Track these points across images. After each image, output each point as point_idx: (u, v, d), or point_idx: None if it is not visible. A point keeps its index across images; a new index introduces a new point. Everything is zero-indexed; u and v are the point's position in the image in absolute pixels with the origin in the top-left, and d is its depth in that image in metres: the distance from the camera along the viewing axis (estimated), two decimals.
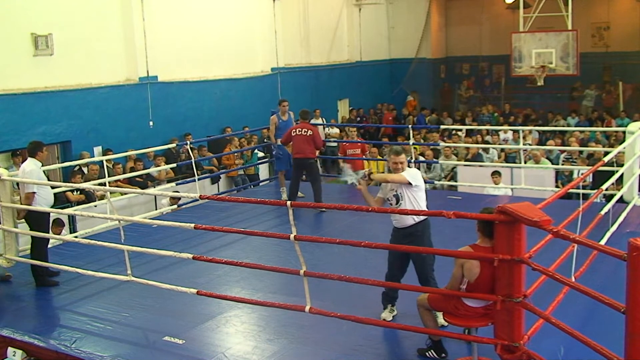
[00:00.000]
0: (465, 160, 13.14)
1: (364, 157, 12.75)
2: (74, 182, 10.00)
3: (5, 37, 11.09)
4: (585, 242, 3.98)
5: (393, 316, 5.62)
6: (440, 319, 5.12)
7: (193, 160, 10.45)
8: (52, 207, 7.28)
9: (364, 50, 21.64)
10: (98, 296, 6.57)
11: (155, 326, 5.84)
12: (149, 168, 12.15)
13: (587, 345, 3.85)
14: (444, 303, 4.74)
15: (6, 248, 7.12)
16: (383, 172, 13.97)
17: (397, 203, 5.39)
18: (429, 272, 5.45)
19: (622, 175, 8.31)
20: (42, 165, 7.20)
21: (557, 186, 11.42)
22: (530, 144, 14.11)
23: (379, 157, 13.95)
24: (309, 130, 9.56)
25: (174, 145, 12.25)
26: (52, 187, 7.44)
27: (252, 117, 15.51)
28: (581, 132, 14.70)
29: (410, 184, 5.31)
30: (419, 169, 12.36)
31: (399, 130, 19.09)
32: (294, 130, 9.59)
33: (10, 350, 5.76)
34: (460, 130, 16.14)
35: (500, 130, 15.56)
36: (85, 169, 11.33)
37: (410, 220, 5.38)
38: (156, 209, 10.57)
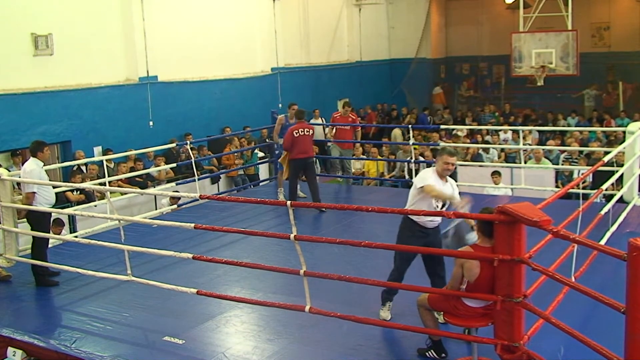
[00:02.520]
0: (465, 160, 13.14)
1: (354, 139, 12.43)
2: (74, 182, 9.99)
3: (5, 37, 11.08)
4: (585, 242, 3.98)
5: (390, 313, 5.63)
6: (440, 317, 5.13)
7: (193, 160, 10.44)
8: (52, 207, 7.28)
9: (364, 50, 21.61)
10: (98, 296, 6.58)
11: (155, 326, 5.84)
12: (148, 168, 12.15)
13: (587, 345, 3.86)
14: (444, 303, 4.75)
15: (6, 248, 7.12)
16: (383, 172, 14.06)
17: (442, 207, 5.40)
18: (443, 269, 5.48)
19: (622, 175, 8.31)
20: (44, 165, 7.20)
21: (557, 186, 11.43)
22: (530, 144, 14.10)
23: (378, 157, 13.94)
24: (310, 130, 9.59)
25: (173, 145, 12.25)
26: (53, 187, 7.45)
27: (252, 117, 15.49)
28: (581, 132, 14.69)
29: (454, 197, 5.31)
30: (418, 169, 12.36)
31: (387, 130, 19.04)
32: (296, 131, 9.49)
33: (10, 350, 5.76)
34: (461, 130, 16.12)
35: (500, 130, 15.55)
36: (84, 169, 11.32)
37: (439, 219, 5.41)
38: (156, 209, 10.57)
